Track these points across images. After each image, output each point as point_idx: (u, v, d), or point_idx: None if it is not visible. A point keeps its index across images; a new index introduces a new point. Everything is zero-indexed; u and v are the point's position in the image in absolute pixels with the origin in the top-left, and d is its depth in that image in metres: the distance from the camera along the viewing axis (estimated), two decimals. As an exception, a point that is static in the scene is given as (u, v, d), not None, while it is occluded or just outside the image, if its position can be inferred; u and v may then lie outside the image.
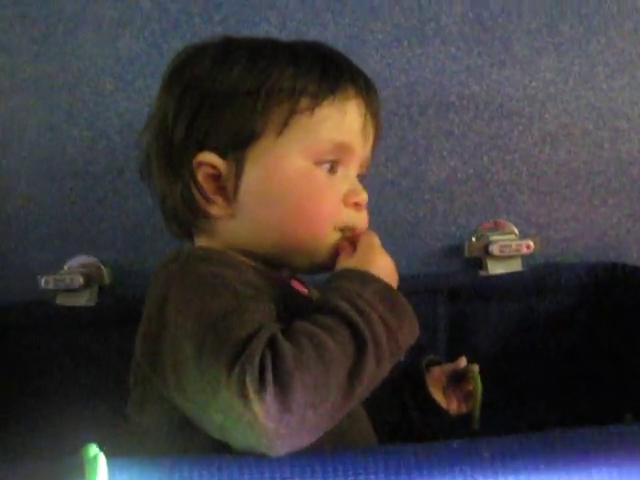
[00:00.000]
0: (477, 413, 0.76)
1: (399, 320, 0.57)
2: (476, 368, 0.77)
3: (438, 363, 0.81)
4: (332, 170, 0.65)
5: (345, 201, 0.66)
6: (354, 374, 0.52)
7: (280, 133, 0.63)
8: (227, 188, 0.64)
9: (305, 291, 0.72)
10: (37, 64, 1.01)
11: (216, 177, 0.64)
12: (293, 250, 0.66)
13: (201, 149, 0.64)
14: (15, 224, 1.01)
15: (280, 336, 0.52)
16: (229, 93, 0.63)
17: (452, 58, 0.97)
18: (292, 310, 0.60)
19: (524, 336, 0.94)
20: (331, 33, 0.97)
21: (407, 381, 0.80)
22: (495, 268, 0.94)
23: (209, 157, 0.64)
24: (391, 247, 0.99)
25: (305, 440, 0.50)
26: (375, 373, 0.54)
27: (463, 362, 0.79)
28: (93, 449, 0.49)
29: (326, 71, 0.64)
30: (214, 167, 0.64)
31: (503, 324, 0.94)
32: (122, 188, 1.00)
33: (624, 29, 0.96)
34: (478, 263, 0.96)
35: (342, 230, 0.66)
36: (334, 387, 0.51)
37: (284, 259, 0.66)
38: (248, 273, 0.61)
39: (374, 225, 1.02)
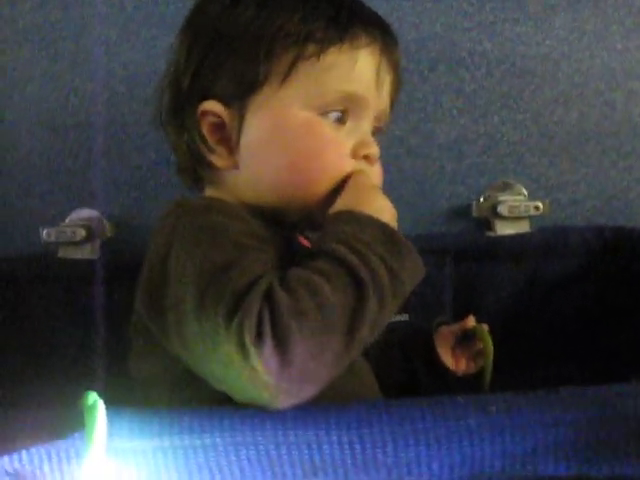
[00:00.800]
0: (488, 374, 0.74)
1: (400, 259, 0.54)
2: (485, 327, 0.75)
3: (446, 324, 0.80)
4: (341, 121, 0.63)
5: (354, 154, 0.64)
6: (355, 319, 0.50)
7: (283, 81, 0.60)
8: (230, 138, 0.62)
9: (308, 245, 0.71)
10: (40, 12, 0.99)
11: (220, 126, 0.63)
12: (293, 204, 0.64)
13: (206, 97, 0.62)
14: (17, 176, 1.00)
15: (276, 286, 0.50)
16: (235, 38, 0.61)
17: (464, 13, 0.95)
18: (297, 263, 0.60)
19: (531, 298, 0.93)
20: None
21: (415, 344, 0.79)
22: (503, 229, 0.92)
23: (212, 105, 0.62)
24: (397, 206, 0.98)
25: (308, 392, 0.49)
26: (378, 317, 0.52)
27: (471, 321, 0.77)
28: (92, 397, 0.48)
29: (336, 17, 0.61)
30: (218, 116, 0.62)
31: (510, 286, 0.93)
32: (125, 140, 0.98)
33: (641, -13, 0.94)
34: (486, 224, 0.95)
35: None
36: (335, 334, 0.49)
37: (285, 214, 0.64)
38: (252, 223, 0.60)
39: (384, 184, 1.01)
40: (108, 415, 0.47)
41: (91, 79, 0.98)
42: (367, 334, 0.51)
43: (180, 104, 0.64)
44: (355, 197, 0.60)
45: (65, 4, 0.98)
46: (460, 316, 0.82)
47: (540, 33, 0.95)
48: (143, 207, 0.99)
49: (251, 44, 0.61)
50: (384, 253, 0.53)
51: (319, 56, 0.60)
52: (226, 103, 0.62)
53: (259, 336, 0.47)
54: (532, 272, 0.93)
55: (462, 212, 0.97)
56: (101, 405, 0.47)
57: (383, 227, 0.56)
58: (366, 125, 0.64)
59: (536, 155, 0.97)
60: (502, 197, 0.93)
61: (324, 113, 0.62)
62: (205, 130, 0.63)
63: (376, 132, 0.67)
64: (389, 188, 0.98)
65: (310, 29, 0.60)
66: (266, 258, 0.56)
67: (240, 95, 0.61)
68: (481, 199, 0.95)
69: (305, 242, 0.71)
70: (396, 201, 0.95)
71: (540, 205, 0.92)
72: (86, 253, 0.95)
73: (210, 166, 0.64)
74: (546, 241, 0.92)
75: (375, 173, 0.66)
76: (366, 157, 0.64)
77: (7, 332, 0.94)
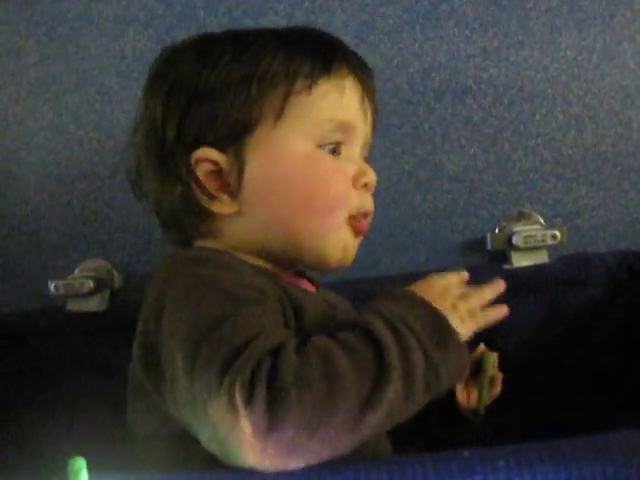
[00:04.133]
0: (484, 397, 0.69)
1: (445, 353, 0.49)
2: (494, 355, 0.71)
3: None
4: (336, 151, 0.62)
5: (355, 183, 0.63)
6: (369, 402, 0.45)
7: (278, 117, 0.60)
8: (230, 183, 0.61)
9: (313, 290, 0.68)
10: (43, 66, 1.00)
11: (217, 173, 0.61)
12: (303, 246, 0.62)
13: (197, 146, 0.61)
14: (25, 229, 1.00)
15: (288, 346, 0.47)
16: (219, 84, 0.60)
17: (467, 40, 0.93)
18: (299, 312, 0.57)
19: (552, 332, 0.89)
20: (340, 20, 0.94)
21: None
22: (520, 260, 0.89)
23: (207, 152, 0.60)
24: (410, 242, 0.96)
25: (295, 464, 0.45)
26: (402, 406, 0.47)
27: (481, 348, 0.73)
28: (79, 462, 0.46)
29: (318, 51, 0.62)
30: (214, 162, 0.61)
31: (529, 320, 0.89)
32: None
33: (651, 1, 0.91)
34: (502, 256, 0.91)
35: (352, 218, 0.63)
36: (339, 413, 0.45)
37: (293, 257, 0.63)
38: (249, 274, 0.58)
39: (392, 218, 0.99)
40: (91, 480, 0.45)
41: (94, 129, 0.98)
42: (382, 421, 0.47)
43: (167, 156, 0.62)
44: (429, 289, 0.55)
45: (66, 57, 0.99)
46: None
47: (547, 56, 0.93)
48: (152, 256, 0.98)
49: (239, 87, 0.60)
50: (427, 341, 0.49)
51: (310, 89, 0.60)
52: (221, 148, 0.60)
53: (251, 395, 0.44)
54: (553, 304, 0.89)
55: (477, 245, 0.94)
56: (84, 474, 0.45)
57: (435, 314, 0.52)
58: (358, 152, 0.64)
59: (551, 181, 0.94)
60: (517, 227, 0.90)
61: (321, 145, 0.61)
62: (202, 178, 0.61)
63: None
64: (400, 223, 0.96)
65: (296, 65, 0.60)
66: (264, 311, 0.53)
67: (235, 138, 0.60)
68: (496, 230, 0.92)
69: (307, 285, 0.68)
70: (408, 236, 0.93)
71: (557, 234, 0.88)
72: (94, 305, 0.94)
73: (209, 215, 0.62)
74: (566, 271, 0.88)
75: (371, 200, 0.65)
76: (364, 185, 0.63)
77: (18, 386, 0.93)
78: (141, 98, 0.66)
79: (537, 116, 0.93)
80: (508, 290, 0.88)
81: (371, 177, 0.64)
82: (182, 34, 0.93)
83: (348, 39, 0.94)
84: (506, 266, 0.90)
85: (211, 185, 0.61)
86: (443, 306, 0.53)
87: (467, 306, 0.56)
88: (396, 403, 0.47)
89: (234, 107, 0.60)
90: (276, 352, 0.47)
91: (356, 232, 0.63)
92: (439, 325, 0.51)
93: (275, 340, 0.48)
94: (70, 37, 0.99)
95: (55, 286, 0.94)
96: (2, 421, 0.91)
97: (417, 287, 0.56)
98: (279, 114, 0.60)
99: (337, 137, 0.62)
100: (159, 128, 0.62)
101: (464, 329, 0.54)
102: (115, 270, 0.97)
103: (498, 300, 0.89)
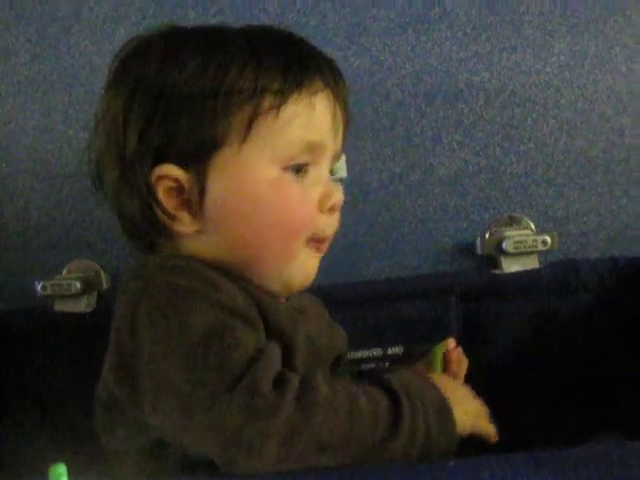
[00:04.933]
0: None
1: (442, 429, 0.53)
2: (451, 343, 0.70)
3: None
4: (303, 172, 0.59)
5: (321, 207, 0.60)
6: (377, 446, 0.50)
7: (244, 139, 0.57)
8: (191, 201, 0.58)
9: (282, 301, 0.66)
10: (33, 65, 0.99)
11: (179, 190, 0.58)
12: (265, 270, 0.60)
13: (158, 161, 0.57)
14: (13, 229, 0.99)
15: (316, 375, 0.51)
16: (184, 95, 0.56)
17: (459, 44, 0.92)
18: (274, 325, 0.57)
19: (541, 338, 0.89)
20: (332, 22, 0.93)
21: None
22: (510, 266, 0.88)
23: (169, 169, 0.57)
24: (400, 245, 0.95)
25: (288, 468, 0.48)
26: (397, 457, 0.51)
27: (451, 344, 0.72)
28: (60, 468, 0.46)
29: (290, 64, 0.58)
30: (176, 180, 0.58)
31: (519, 326, 0.89)
32: (120, 190, 0.97)
33: (643, 7, 0.91)
34: (492, 261, 0.91)
35: (312, 239, 0.61)
36: (351, 448, 0.49)
37: (255, 280, 0.60)
38: (225, 287, 0.56)
39: (382, 222, 0.98)
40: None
41: (84, 129, 0.97)
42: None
43: (127, 169, 0.58)
44: (446, 384, 0.59)
45: (57, 56, 0.98)
46: (466, 355, 0.78)
47: (539, 60, 0.92)
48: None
49: (204, 102, 0.56)
50: (432, 413, 0.53)
51: (279, 108, 0.57)
52: (183, 165, 0.57)
53: (279, 402, 0.47)
54: (543, 310, 0.88)
55: (467, 250, 0.93)
56: (66, 477, 0.45)
57: (444, 401, 0.55)
58: (325, 170, 0.62)
59: (542, 186, 0.93)
60: (507, 232, 0.89)
61: (289, 167, 0.58)
62: (162, 196, 0.58)
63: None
64: (390, 226, 0.95)
65: (265, 82, 0.57)
66: (250, 325, 0.54)
67: (199, 157, 0.57)
68: (486, 235, 0.91)
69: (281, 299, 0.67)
70: (398, 240, 0.93)
71: (548, 239, 0.88)
72: (82, 306, 0.93)
73: (169, 233, 0.60)
74: (556, 277, 0.88)
75: (335, 222, 0.63)
76: (331, 208, 0.61)
77: (9, 383, 0.92)
78: (104, 91, 0.62)
79: (529, 120, 0.93)
80: (497, 294, 0.89)
81: (337, 198, 0.61)
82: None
83: (339, 41, 0.95)
84: (496, 271, 0.89)
85: (171, 203, 0.58)
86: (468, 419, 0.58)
87: (475, 408, 0.61)
88: (396, 453, 0.50)
89: (199, 123, 0.56)
90: (304, 377, 0.50)
91: (316, 252, 0.62)
92: (445, 411, 0.54)
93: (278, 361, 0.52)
94: (60, 36, 0.98)
95: (42, 286, 0.93)
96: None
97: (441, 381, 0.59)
98: (245, 135, 0.57)
99: (304, 158, 0.59)
100: (120, 134, 0.58)
101: (463, 423, 0.57)
102: (103, 271, 0.96)
103: (488, 306, 0.90)
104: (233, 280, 0.58)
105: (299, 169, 0.59)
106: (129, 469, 0.56)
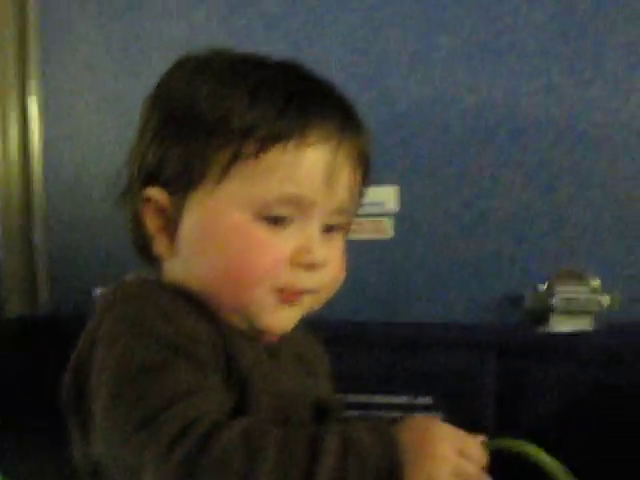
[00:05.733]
0: None
1: None
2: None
3: None
4: (282, 223, 0.56)
5: (292, 260, 0.57)
6: None
7: (220, 180, 0.55)
8: (171, 226, 0.58)
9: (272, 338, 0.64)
10: (115, 82, 1.04)
11: (163, 213, 0.58)
12: (226, 306, 0.58)
13: (152, 182, 0.58)
14: (86, 233, 1.05)
15: (216, 428, 0.47)
16: (184, 120, 0.56)
17: (528, 76, 0.86)
18: (233, 358, 0.55)
19: (589, 408, 0.79)
20: (393, 48, 0.90)
21: None
22: (559, 325, 0.80)
23: (157, 193, 0.58)
24: (446, 289, 0.90)
25: None
26: None
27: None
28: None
29: (285, 110, 0.55)
30: (160, 203, 0.58)
31: (564, 392, 0.79)
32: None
33: None
34: (541, 317, 0.82)
35: (281, 290, 0.58)
36: None
37: (221, 313, 0.58)
38: (187, 317, 0.56)
39: (430, 263, 0.93)
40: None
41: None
42: None
43: (130, 185, 0.60)
44: (421, 432, 0.51)
45: (137, 74, 1.02)
46: (503, 419, 0.72)
47: (619, 96, 0.84)
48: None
49: (194, 133, 0.56)
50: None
51: (257, 156, 0.54)
52: (171, 192, 0.57)
53: (172, 448, 0.46)
54: (591, 378, 0.78)
55: (518, 302, 0.85)
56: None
57: (394, 465, 0.48)
58: (314, 226, 0.57)
59: (610, 239, 0.84)
60: (560, 287, 0.80)
61: (262, 216, 0.56)
62: (148, 216, 0.59)
63: (338, 228, 0.60)
64: (438, 269, 0.90)
65: (253, 124, 0.54)
66: (195, 364, 0.52)
67: (182, 188, 0.57)
68: (539, 288, 0.83)
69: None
70: (445, 283, 0.88)
71: (603, 300, 0.78)
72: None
73: (150, 252, 0.61)
74: (611, 342, 0.77)
75: (314, 279, 0.59)
76: (308, 264, 0.57)
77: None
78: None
79: (601, 164, 0.85)
80: (539, 354, 0.80)
81: (313, 256, 0.57)
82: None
83: (399, 68, 0.91)
84: (541, 329, 0.80)
85: (153, 224, 0.59)
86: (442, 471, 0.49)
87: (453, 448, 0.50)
88: None
89: (187, 154, 0.56)
90: (216, 423, 0.48)
91: (289, 304, 0.59)
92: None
93: (207, 407, 0.49)
94: (142, 56, 1.02)
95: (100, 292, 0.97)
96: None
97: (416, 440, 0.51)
98: (222, 176, 0.55)
99: (282, 211, 0.56)
100: (132, 152, 0.61)
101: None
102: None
103: (528, 366, 0.81)
104: (202, 310, 0.57)
105: (277, 220, 0.57)
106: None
